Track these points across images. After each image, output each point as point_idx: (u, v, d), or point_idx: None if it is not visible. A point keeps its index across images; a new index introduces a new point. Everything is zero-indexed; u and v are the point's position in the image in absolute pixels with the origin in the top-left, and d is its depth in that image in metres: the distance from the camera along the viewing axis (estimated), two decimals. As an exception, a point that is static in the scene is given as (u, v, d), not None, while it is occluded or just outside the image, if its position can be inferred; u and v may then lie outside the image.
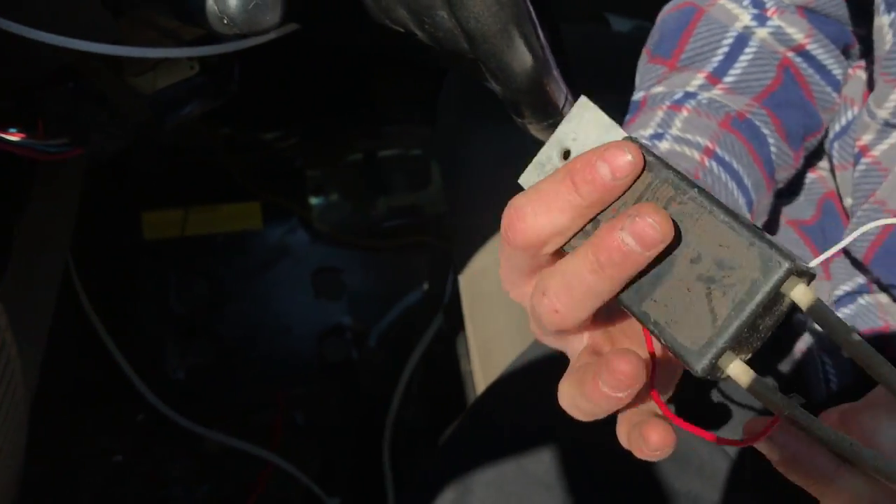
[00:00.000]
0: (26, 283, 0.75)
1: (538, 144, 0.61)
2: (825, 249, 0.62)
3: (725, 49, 0.58)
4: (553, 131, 0.51)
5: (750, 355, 0.33)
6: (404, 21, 0.48)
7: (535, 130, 0.53)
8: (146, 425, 1.21)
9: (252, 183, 1.24)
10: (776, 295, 0.31)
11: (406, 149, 1.28)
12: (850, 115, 0.61)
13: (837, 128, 0.63)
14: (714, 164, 0.53)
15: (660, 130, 0.54)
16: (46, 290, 0.75)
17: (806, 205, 0.66)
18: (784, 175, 0.60)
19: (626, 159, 0.32)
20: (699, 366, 0.31)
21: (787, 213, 0.65)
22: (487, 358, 0.82)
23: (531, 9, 0.44)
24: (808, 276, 0.31)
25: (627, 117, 0.59)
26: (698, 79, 0.57)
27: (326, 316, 1.27)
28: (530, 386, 0.65)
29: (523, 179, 0.40)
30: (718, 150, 0.53)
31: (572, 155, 0.37)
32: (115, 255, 1.22)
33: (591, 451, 0.59)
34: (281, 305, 1.26)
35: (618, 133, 0.35)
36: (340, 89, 1.23)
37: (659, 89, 0.58)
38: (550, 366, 0.65)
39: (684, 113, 0.55)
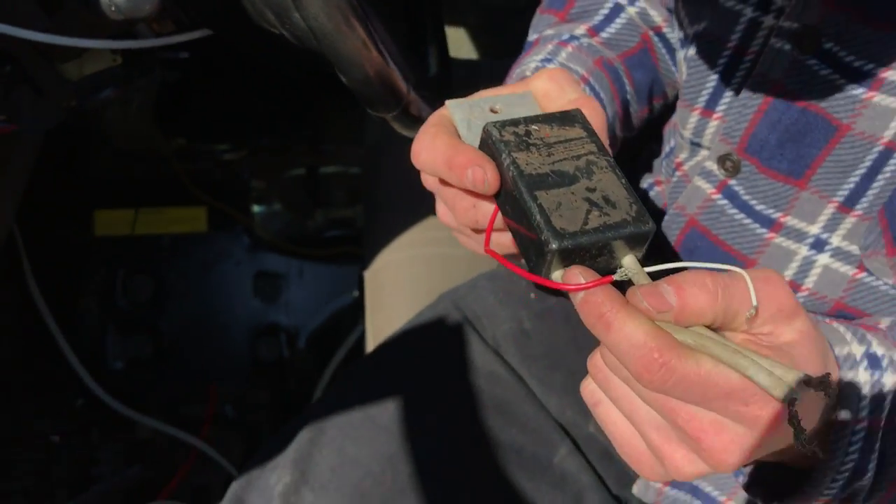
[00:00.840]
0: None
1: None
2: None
3: (605, 12, 0.71)
4: (401, 123, 0.61)
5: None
6: (274, 23, 0.59)
7: (391, 121, 0.64)
8: (84, 410, 1.29)
9: (200, 190, 1.34)
10: (624, 243, 0.42)
11: (345, 167, 1.38)
12: (677, 137, 0.72)
13: (667, 149, 0.73)
14: (587, 89, 0.64)
15: (549, 57, 0.66)
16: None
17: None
18: (636, 122, 0.71)
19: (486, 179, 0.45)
20: (555, 244, 0.41)
21: None
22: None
23: (366, 11, 0.55)
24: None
25: (522, 54, 0.71)
26: (581, 29, 0.69)
27: (262, 317, 1.35)
28: (393, 355, 0.74)
29: (451, 103, 0.51)
30: (591, 80, 0.65)
31: (498, 114, 0.50)
32: (67, 249, 1.31)
33: (430, 405, 0.68)
34: (220, 305, 1.35)
35: (536, 110, 0.51)
36: (287, 110, 1.34)
37: (549, 32, 0.70)
38: (409, 341, 0.75)
39: (569, 48, 0.67)
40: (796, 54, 0.54)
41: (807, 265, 0.58)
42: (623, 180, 0.44)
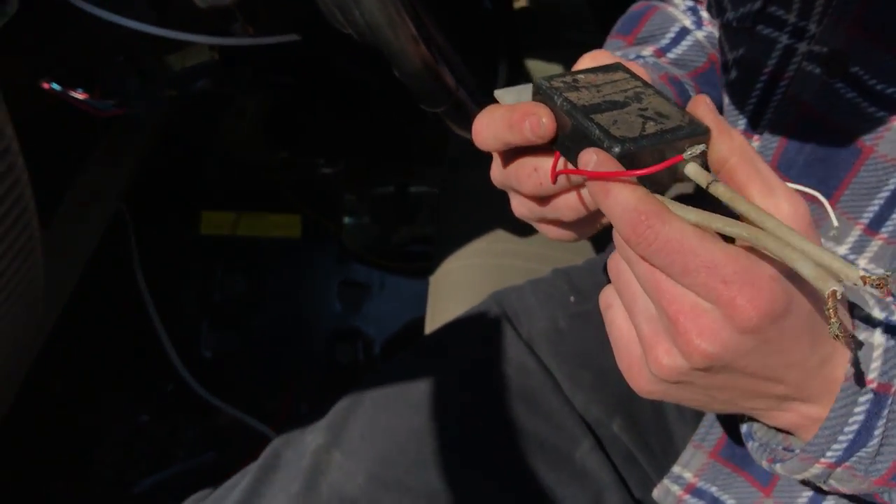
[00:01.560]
0: (77, 220, 0.94)
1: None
2: None
3: (672, 35, 0.73)
4: (452, 119, 0.67)
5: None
6: (343, 22, 0.66)
7: (443, 117, 0.69)
8: (173, 394, 1.39)
9: (297, 199, 1.43)
10: (682, 146, 0.43)
11: (430, 187, 1.45)
12: None
13: None
14: None
15: None
16: (94, 224, 0.94)
17: None
18: None
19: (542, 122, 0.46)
20: (618, 148, 0.42)
21: None
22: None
23: (420, 13, 0.60)
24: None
25: None
26: (648, 50, 0.72)
27: (343, 322, 1.43)
28: (436, 342, 0.79)
29: (499, 91, 0.53)
30: None
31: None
32: (175, 243, 1.43)
33: (461, 388, 0.72)
34: (306, 308, 1.43)
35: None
36: (382, 132, 1.42)
37: (617, 54, 0.71)
38: (452, 332, 0.79)
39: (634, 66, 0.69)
40: (825, 77, 0.55)
41: None
42: (672, 101, 0.46)
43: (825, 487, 0.48)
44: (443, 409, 0.70)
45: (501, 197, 1.03)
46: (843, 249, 0.58)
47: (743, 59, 0.63)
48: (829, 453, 0.44)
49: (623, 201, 0.40)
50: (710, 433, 0.67)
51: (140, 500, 1.30)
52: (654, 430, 0.73)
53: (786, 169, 0.59)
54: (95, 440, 1.34)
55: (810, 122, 0.57)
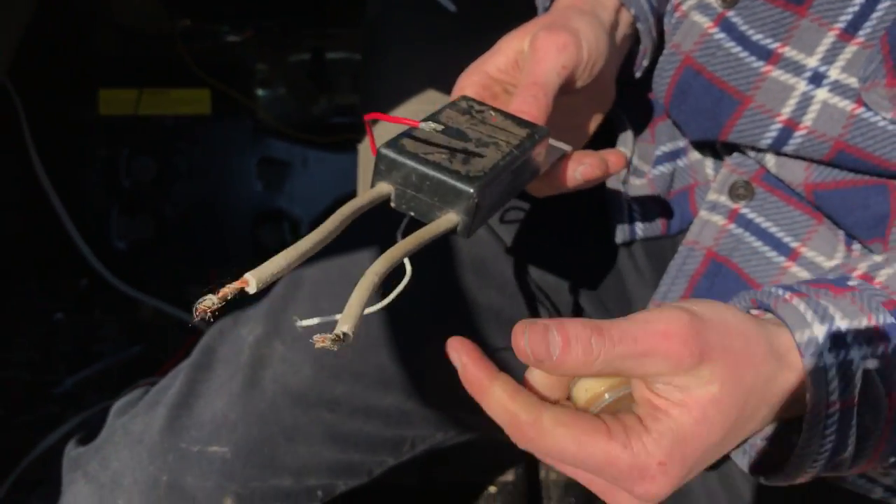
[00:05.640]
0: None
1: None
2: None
3: None
4: None
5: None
6: None
7: None
8: (88, 290, 1.30)
9: (204, 71, 1.31)
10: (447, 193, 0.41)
11: (351, 53, 1.35)
12: None
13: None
14: None
15: None
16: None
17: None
18: None
19: None
20: (382, 149, 0.42)
21: None
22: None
23: None
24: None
25: None
26: None
27: (265, 203, 1.34)
28: (371, 210, 0.72)
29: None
30: None
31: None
32: (71, 126, 1.30)
33: (413, 264, 0.66)
34: (223, 190, 1.34)
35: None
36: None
37: None
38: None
39: None
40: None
41: (805, 101, 0.55)
42: (501, 163, 0.43)
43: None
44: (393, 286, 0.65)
45: (435, 58, 0.94)
46: (813, 61, 0.55)
47: None
48: (808, 469, 0.43)
49: (497, 412, 0.40)
50: (672, 290, 0.63)
51: (64, 400, 1.23)
52: (614, 295, 0.70)
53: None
54: (6, 342, 1.25)
55: None
